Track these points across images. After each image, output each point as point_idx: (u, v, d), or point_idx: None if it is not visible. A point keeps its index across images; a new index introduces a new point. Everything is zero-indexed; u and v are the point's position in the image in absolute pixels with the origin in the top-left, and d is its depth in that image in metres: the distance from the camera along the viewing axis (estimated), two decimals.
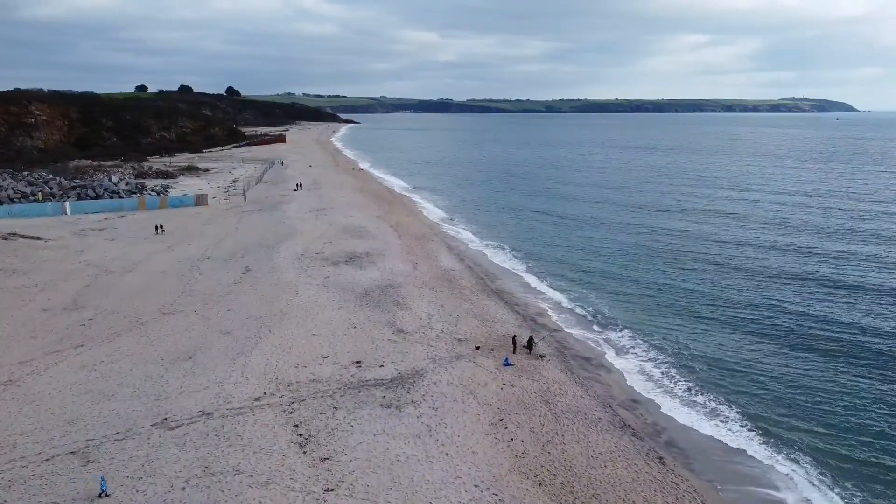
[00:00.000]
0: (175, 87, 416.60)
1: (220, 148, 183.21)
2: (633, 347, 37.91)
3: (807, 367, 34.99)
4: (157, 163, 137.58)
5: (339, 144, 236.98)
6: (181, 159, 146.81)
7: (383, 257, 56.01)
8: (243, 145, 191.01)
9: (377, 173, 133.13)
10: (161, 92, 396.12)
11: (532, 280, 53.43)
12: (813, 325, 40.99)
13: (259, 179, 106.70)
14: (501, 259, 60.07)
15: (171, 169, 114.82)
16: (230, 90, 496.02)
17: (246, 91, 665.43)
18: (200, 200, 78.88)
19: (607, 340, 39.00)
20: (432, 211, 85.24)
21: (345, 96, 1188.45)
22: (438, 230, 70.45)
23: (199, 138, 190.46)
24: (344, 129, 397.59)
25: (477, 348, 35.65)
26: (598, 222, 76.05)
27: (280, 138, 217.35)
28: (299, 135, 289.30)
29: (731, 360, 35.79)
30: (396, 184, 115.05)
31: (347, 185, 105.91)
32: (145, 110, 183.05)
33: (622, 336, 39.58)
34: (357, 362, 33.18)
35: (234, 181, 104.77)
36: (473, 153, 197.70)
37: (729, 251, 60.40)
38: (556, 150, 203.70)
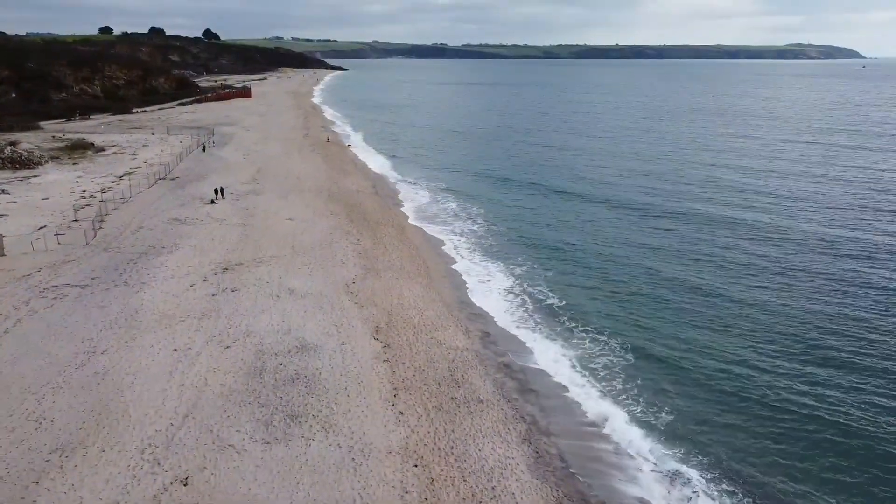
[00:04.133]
0: (148, 30, 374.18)
1: (160, 106, 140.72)
2: None
3: None
4: (51, 131, 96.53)
5: (319, 98, 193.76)
6: (90, 125, 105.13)
7: None
8: (190, 102, 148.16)
9: (360, 150, 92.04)
10: (126, 34, 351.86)
11: None
12: None
13: (166, 174, 65.80)
14: None
15: (39, 151, 73.62)
16: (207, 33, 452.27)
17: (231, 35, 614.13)
18: None
19: None
20: (468, 266, 45.15)
21: (335, 41, 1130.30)
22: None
23: (134, 92, 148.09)
24: (329, 78, 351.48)
25: None
26: None
27: (244, 92, 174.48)
28: (276, 85, 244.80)
29: None
30: (389, 175, 74.45)
31: (309, 181, 65.29)
32: (58, 56, 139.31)
33: None
34: None
35: (121, 176, 63.96)
36: (495, 118, 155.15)
37: None
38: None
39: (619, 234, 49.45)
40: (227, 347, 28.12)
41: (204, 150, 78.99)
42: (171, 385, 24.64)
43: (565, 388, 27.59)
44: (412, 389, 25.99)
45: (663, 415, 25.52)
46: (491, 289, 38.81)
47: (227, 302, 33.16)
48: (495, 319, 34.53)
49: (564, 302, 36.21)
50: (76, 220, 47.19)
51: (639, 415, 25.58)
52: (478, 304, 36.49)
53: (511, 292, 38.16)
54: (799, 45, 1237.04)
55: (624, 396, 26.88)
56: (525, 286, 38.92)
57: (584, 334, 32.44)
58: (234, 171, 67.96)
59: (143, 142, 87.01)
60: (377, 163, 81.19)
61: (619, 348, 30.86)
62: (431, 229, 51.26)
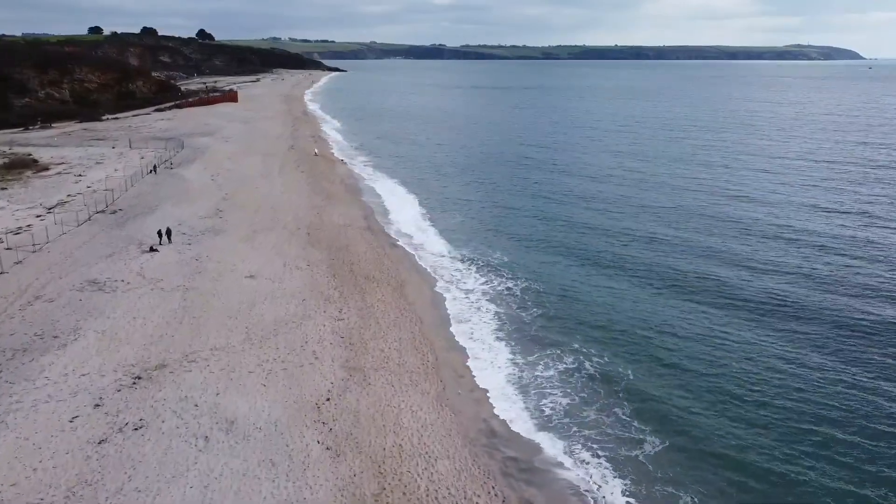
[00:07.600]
0: (140, 31, 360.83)
1: (135, 112, 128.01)
2: None
3: None
4: (0, 142, 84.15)
5: (311, 103, 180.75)
6: (47, 136, 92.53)
7: None
8: (168, 108, 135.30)
9: (353, 167, 79.23)
10: (115, 34, 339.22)
11: None
12: None
13: (107, 204, 53.01)
14: None
15: None
16: (201, 33, 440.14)
17: (228, 36, 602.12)
18: None
19: None
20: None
21: (333, 41, 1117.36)
22: None
23: (109, 96, 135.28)
24: (325, 80, 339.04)
25: None
26: None
27: (230, 96, 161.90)
28: (268, 87, 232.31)
29: None
30: (386, 201, 61.62)
31: (287, 211, 52.56)
32: (23, 56, 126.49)
33: None
34: None
35: (51, 208, 51.19)
36: (508, 130, 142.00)
37: None
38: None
39: (699, 322, 36.78)
40: None
41: (155, 171, 65.72)
42: None
43: None
44: None
45: None
46: (531, 402, 26.19)
47: (119, 458, 20.44)
48: (548, 473, 21.94)
49: (658, 444, 23.42)
50: None
51: None
52: (515, 440, 23.87)
53: (564, 412, 25.46)
54: (798, 45, 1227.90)
55: None
56: (585, 399, 26.20)
57: None
58: (194, 199, 55.29)
59: (97, 157, 74.32)
60: (372, 184, 68.51)
61: None
62: (441, 288, 38.55)
